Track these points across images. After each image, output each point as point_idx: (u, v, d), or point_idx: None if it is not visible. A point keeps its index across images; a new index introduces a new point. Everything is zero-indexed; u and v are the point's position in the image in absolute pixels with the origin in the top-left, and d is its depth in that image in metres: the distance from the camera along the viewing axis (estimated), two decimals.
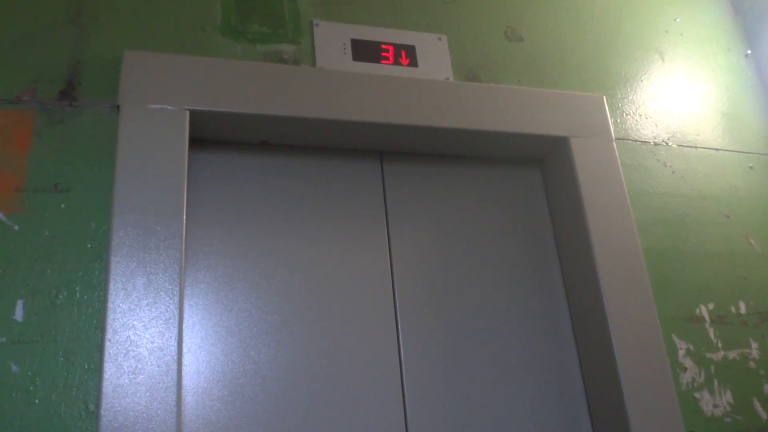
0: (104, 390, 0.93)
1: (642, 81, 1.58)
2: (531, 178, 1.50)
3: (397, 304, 1.28)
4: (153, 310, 1.00)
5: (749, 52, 1.77)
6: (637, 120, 1.52)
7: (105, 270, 1.01)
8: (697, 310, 1.38)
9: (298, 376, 1.16)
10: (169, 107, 1.12)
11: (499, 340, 1.32)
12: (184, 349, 1.11)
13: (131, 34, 1.19)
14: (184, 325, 1.12)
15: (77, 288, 0.99)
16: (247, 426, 1.10)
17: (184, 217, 1.06)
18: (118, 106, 1.10)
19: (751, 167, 1.58)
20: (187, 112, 1.13)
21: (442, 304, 1.31)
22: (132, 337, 0.97)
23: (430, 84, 1.34)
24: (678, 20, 1.72)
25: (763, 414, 1.34)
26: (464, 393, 1.25)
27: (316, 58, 1.30)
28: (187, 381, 1.09)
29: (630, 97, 1.55)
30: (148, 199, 1.05)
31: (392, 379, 1.21)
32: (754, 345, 1.39)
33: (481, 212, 1.42)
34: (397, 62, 1.36)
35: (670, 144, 1.53)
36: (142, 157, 1.07)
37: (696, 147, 1.55)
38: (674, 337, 1.33)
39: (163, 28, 1.21)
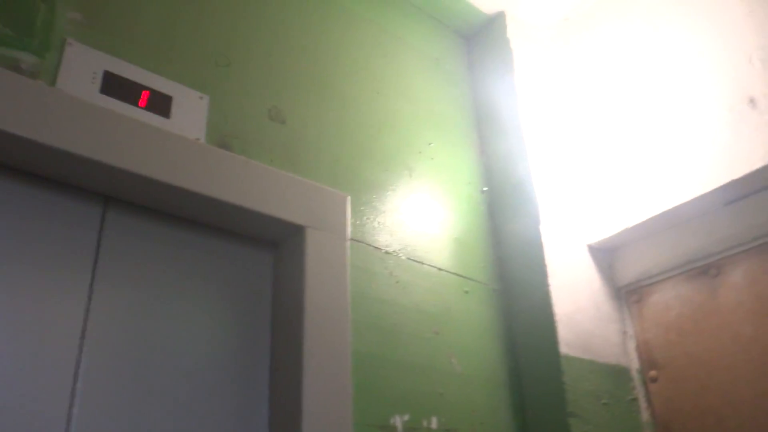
0: None
1: (388, 191, 1.66)
2: (262, 261, 1.46)
3: (80, 371, 1.13)
4: None
5: (485, 189, 1.96)
6: (374, 226, 1.58)
7: None
8: (392, 420, 1.41)
9: None
10: None
11: (190, 423, 1.22)
12: None
13: None
14: None
15: None
16: None
17: None
18: None
19: (466, 291, 1.71)
20: None
21: (134, 378, 1.18)
22: None
23: (178, 139, 1.27)
24: (431, 145, 1.86)
25: None
26: None
27: (57, 79, 1.18)
28: None
29: (373, 203, 1.61)
30: None
31: None
32: None
33: (203, 285, 1.34)
34: (148, 108, 1.28)
35: (399, 255, 1.60)
36: None
37: (422, 263, 1.65)
38: None
39: None
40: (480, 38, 2.20)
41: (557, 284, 1.73)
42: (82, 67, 1.22)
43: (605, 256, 1.92)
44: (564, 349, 1.65)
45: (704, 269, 1.71)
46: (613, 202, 1.84)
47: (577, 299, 1.76)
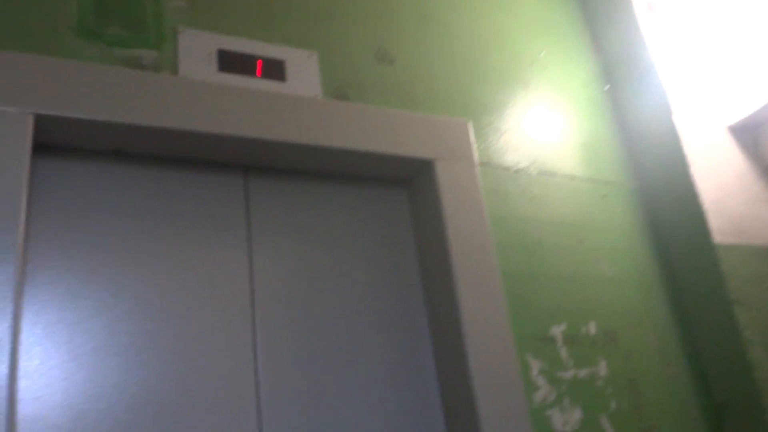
0: None
1: (507, 109, 1.65)
2: (397, 199, 1.51)
3: (257, 327, 1.24)
4: None
5: (608, 87, 1.88)
6: (500, 146, 1.58)
7: None
8: (551, 331, 1.43)
9: (146, 402, 1.09)
10: (10, 109, 1.04)
11: (362, 361, 1.31)
12: (21, 373, 1.02)
13: None
14: (22, 347, 1.03)
15: None
16: None
17: (22, 229, 0.98)
18: None
19: (604, 196, 1.68)
20: (32, 116, 1.05)
21: (304, 325, 1.28)
22: None
23: (298, 100, 1.32)
24: (543, 54, 1.80)
25: (609, 431, 1.40)
26: (324, 417, 1.23)
27: (179, 67, 1.25)
28: (22, 408, 1.00)
29: (494, 124, 1.60)
30: None
31: (248, 404, 1.17)
32: (603, 364, 1.47)
33: (348, 232, 1.41)
34: (264, 76, 1.33)
35: (530, 171, 1.59)
36: None
37: (554, 175, 1.63)
38: (528, 357, 1.37)
39: (9, 25, 1.12)
40: None
41: (700, 172, 1.65)
42: (197, 51, 1.29)
43: (748, 134, 1.80)
44: (717, 237, 1.59)
45: None
46: (750, 77, 1.72)
47: (723, 184, 1.68)
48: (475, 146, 1.51)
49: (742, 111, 1.73)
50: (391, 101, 1.47)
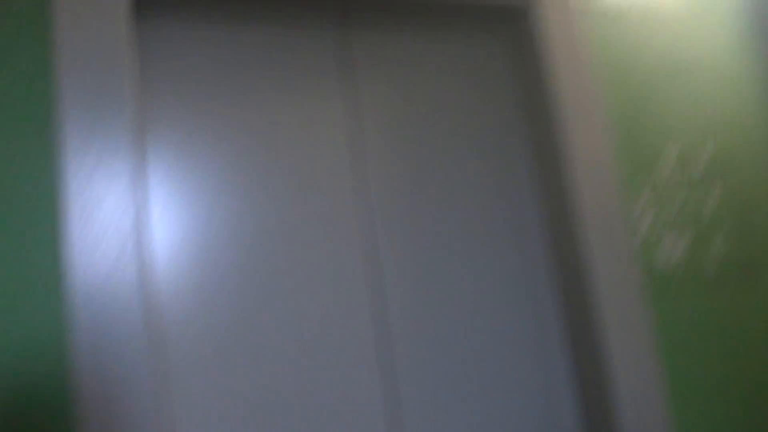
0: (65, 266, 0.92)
1: None
2: (498, 48, 1.44)
3: (365, 174, 1.26)
4: (108, 179, 0.96)
5: None
6: None
7: (54, 140, 0.96)
8: (663, 155, 1.39)
9: (258, 244, 1.15)
10: None
11: (468, 208, 1.32)
12: (146, 218, 1.09)
13: None
14: (145, 194, 1.10)
15: (25, 160, 0.95)
16: (213, 293, 1.11)
17: (134, 78, 1.01)
18: None
19: (715, 28, 1.54)
20: None
21: (411, 177, 1.29)
22: (88, 208, 0.94)
23: None
24: None
25: (715, 260, 1.38)
26: (437, 285, 1.27)
27: None
28: (153, 249, 1.08)
29: None
30: (94, 62, 0.98)
31: (357, 248, 1.22)
32: (715, 190, 1.42)
33: (450, 85, 1.37)
34: None
35: (635, 8, 1.48)
36: (85, 20, 0.99)
37: (661, 11, 1.50)
38: (638, 182, 1.35)
39: None
40: None
41: None
42: None
43: None
44: None
45: None
46: None
47: None
48: None
49: None
50: None
